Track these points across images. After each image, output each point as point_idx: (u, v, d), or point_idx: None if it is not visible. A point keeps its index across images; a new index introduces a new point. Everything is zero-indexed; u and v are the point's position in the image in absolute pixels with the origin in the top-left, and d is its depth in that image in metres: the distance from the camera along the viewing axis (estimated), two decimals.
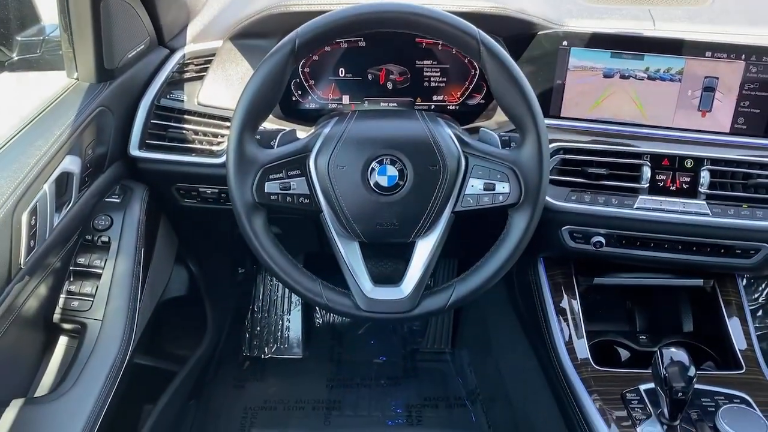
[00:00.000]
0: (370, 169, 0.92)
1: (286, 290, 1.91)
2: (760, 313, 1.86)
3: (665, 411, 0.99)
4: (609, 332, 1.26)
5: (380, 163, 0.92)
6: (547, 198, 1.12)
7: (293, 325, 1.87)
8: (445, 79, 1.21)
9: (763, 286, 1.53)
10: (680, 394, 0.96)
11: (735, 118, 1.12)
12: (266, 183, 0.93)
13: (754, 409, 1.01)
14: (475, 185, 0.94)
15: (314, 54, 1.19)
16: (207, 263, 1.55)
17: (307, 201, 0.94)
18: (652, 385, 1.02)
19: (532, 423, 1.41)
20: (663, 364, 0.97)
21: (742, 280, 1.24)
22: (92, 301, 1.05)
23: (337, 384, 1.75)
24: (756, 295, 1.79)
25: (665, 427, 1.00)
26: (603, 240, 1.16)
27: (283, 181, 0.93)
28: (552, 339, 1.18)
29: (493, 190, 0.94)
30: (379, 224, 0.94)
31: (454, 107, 1.22)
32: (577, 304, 1.21)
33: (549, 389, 1.24)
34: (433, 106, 1.22)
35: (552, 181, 1.13)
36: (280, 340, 1.86)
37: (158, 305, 1.25)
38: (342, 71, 1.20)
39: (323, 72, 1.20)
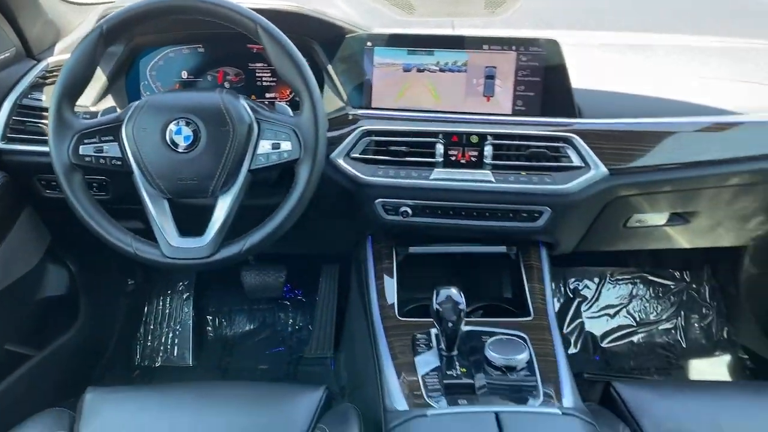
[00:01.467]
0: (168, 129, 1.08)
1: (179, 303, 2.02)
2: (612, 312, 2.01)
3: (443, 342, 1.12)
4: (428, 298, 1.39)
5: (177, 124, 1.08)
6: (359, 173, 1.28)
7: (183, 335, 1.97)
8: (275, 79, 1.40)
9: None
10: (450, 324, 1.09)
11: (514, 101, 1.31)
12: (81, 146, 1.09)
13: (525, 342, 1.14)
14: (264, 146, 1.10)
15: (159, 59, 1.38)
16: (88, 263, 1.67)
17: (119, 163, 1.10)
18: None
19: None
20: (437, 300, 1.10)
21: (544, 249, 1.39)
22: None
23: None
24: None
25: (444, 358, 1.12)
26: (410, 210, 1.32)
27: (96, 145, 1.09)
28: (370, 299, 1.31)
29: (279, 148, 1.10)
30: (180, 180, 1.10)
31: (286, 103, 1.40)
32: (393, 269, 1.35)
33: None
34: (266, 102, 1.40)
35: (363, 160, 1.29)
36: (170, 350, 1.96)
37: (26, 300, 1.35)
38: (185, 74, 1.39)
39: (168, 74, 1.39)
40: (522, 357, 1.07)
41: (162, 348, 1.96)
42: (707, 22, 1.49)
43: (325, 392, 1.13)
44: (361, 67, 1.32)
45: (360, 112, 1.31)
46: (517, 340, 1.12)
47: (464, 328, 1.17)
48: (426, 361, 1.11)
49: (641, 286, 2.04)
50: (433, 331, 1.19)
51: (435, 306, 1.10)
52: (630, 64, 1.35)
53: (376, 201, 1.32)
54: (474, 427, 0.86)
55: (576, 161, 1.26)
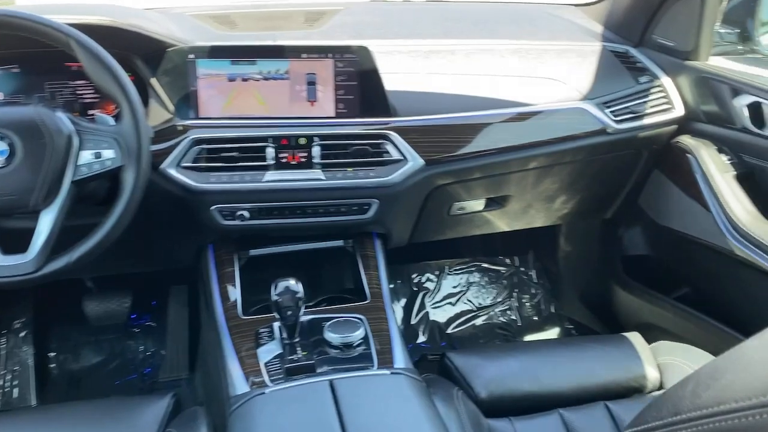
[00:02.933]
0: None
1: (16, 342, 1.91)
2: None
3: (285, 332, 1.18)
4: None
5: None
6: (191, 182, 1.31)
7: (23, 375, 1.86)
8: (98, 96, 1.40)
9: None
10: (290, 313, 1.15)
11: (336, 104, 1.40)
12: None
13: (362, 322, 1.22)
14: (86, 156, 1.11)
15: None
16: None
17: None
18: None
19: None
20: (276, 292, 1.16)
21: (378, 240, 1.50)
22: None
23: None
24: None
25: (286, 346, 1.18)
26: (246, 213, 1.37)
27: None
28: (213, 304, 1.33)
29: (101, 157, 1.11)
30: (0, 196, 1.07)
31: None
32: (235, 274, 1.38)
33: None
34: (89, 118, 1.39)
35: (195, 168, 1.33)
36: (9, 393, 1.84)
37: None
38: (0, 95, 1.35)
39: None
40: (357, 333, 1.16)
41: (0, 391, 1.84)
42: (502, 28, 1.68)
43: (173, 399, 1.14)
44: (185, 79, 1.36)
45: (188, 122, 1.34)
46: (354, 320, 1.20)
47: (305, 317, 1.24)
48: (268, 350, 1.16)
49: (477, 274, 2.22)
50: (276, 323, 1.24)
51: (274, 297, 1.15)
52: (435, 67, 1.50)
53: (213, 207, 1.36)
54: (310, 396, 0.92)
55: (395, 155, 1.38)
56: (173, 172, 1.30)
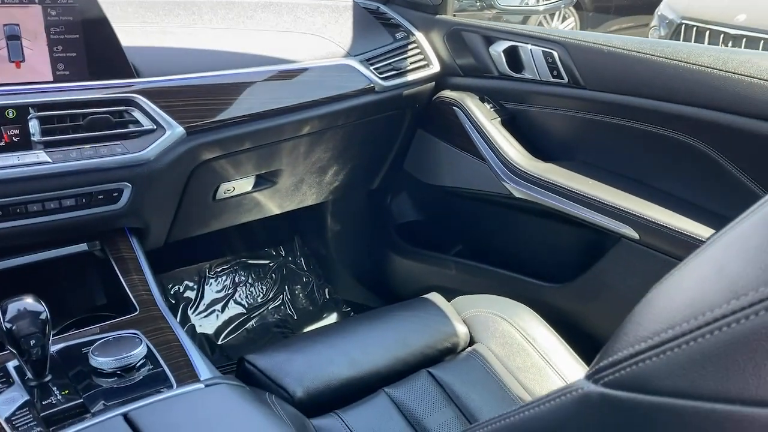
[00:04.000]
0: None
1: None
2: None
3: (29, 371, 0.83)
4: None
5: None
6: None
7: None
8: None
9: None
10: (33, 342, 0.81)
11: (54, 64, 1.06)
12: None
13: (139, 337, 0.93)
14: None
15: None
16: None
17: None
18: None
19: None
20: (6, 318, 0.81)
21: (133, 237, 1.19)
22: None
23: None
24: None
25: (35, 389, 0.83)
26: None
27: None
28: None
29: None
30: None
31: None
32: None
33: None
34: None
35: None
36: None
37: None
38: None
39: None
40: (138, 351, 0.86)
41: None
42: None
43: None
44: None
45: None
46: (128, 336, 0.91)
47: (56, 346, 0.91)
48: (8, 400, 0.81)
49: (242, 273, 1.98)
50: (10, 363, 0.88)
51: (5, 326, 0.81)
52: (181, 22, 1.25)
53: None
54: None
55: (146, 124, 1.09)
56: None
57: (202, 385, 0.76)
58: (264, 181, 1.44)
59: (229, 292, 1.94)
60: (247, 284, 1.98)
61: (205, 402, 0.68)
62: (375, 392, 1.06)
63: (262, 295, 1.99)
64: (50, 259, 1.11)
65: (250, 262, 2.00)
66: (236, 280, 1.97)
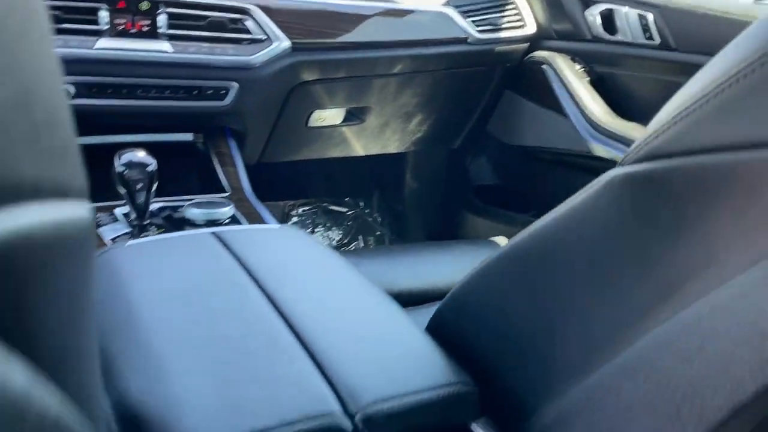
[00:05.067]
0: None
1: None
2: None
3: (133, 212, 0.96)
4: None
5: None
6: None
7: None
8: None
9: None
10: (140, 186, 0.94)
11: None
12: None
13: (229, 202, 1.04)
14: None
15: None
16: None
17: None
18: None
19: None
20: (120, 163, 0.93)
21: (232, 138, 1.31)
22: None
23: None
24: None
25: (135, 227, 0.96)
26: (72, 89, 1.11)
27: None
28: None
29: None
30: None
31: None
32: None
33: None
34: None
35: None
36: None
37: None
38: None
39: None
40: (226, 210, 0.97)
41: None
42: None
43: None
44: None
45: None
46: (219, 200, 1.02)
47: (156, 205, 1.03)
48: (113, 229, 0.93)
49: (322, 216, 2.09)
50: (118, 210, 1.01)
51: (119, 169, 0.93)
52: None
53: None
54: (191, 243, 0.72)
55: (258, 33, 1.21)
56: None
57: (276, 226, 0.85)
58: (353, 117, 1.54)
59: (308, 230, 2.06)
60: (325, 227, 2.09)
61: (284, 234, 0.77)
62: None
63: (336, 240, 2.09)
64: (160, 142, 1.24)
65: (331, 207, 2.11)
66: (316, 221, 2.08)
